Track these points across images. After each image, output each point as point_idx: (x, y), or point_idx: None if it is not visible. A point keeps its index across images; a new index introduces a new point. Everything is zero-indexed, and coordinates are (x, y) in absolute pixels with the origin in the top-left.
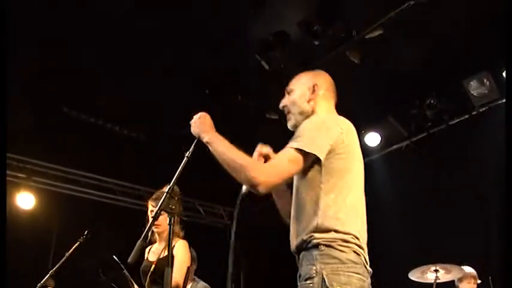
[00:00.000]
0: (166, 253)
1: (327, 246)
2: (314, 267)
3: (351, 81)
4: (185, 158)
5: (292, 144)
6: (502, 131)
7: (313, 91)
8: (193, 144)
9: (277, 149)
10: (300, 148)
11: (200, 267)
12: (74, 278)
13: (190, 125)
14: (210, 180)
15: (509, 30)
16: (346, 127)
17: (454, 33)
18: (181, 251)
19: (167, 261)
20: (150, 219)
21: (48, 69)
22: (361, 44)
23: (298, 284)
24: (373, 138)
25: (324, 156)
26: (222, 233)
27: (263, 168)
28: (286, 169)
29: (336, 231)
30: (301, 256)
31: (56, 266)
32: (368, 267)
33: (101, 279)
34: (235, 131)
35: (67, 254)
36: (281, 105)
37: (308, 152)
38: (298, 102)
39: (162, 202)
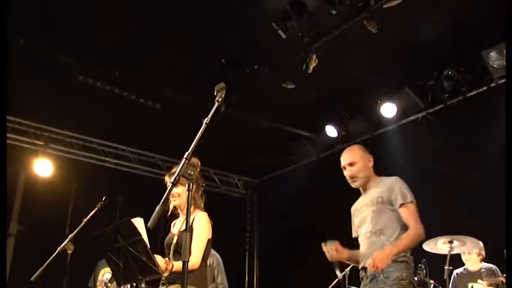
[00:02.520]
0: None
1: (407, 263)
2: (404, 274)
3: (368, 52)
4: (204, 125)
5: (407, 200)
6: None
7: (370, 161)
8: (212, 111)
9: (292, 116)
10: (412, 201)
11: (215, 236)
12: (91, 243)
13: (206, 93)
14: (225, 149)
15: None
16: None
17: (474, 4)
18: (202, 223)
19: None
20: (171, 197)
21: (64, 39)
22: (378, 14)
23: (384, 282)
24: (389, 109)
25: None
26: (237, 202)
27: (419, 226)
28: (419, 221)
29: (407, 252)
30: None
31: (76, 231)
32: None
33: (119, 244)
34: (251, 100)
35: (85, 220)
36: (349, 174)
37: (414, 202)
38: (363, 170)
39: (181, 168)
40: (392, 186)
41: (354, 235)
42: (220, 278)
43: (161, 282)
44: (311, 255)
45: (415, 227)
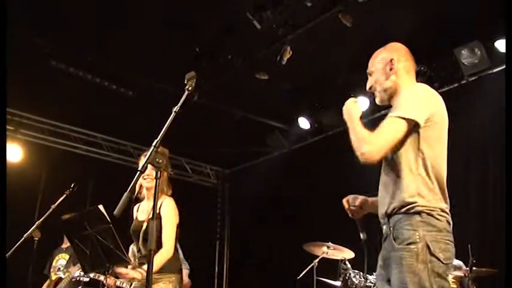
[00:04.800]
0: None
1: (428, 214)
2: (417, 233)
3: (342, 45)
4: (173, 113)
5: (393, 113)
6: (490, 101)
7: (391, 68)
8: (182, 100)
9: (265, 107)
10: (401, 116)
11: (186, 225)
12: (60, 230)
13: (179, 81)
14: (198, 139)
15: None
16: (439, 99)
17: (447, 2)
18: (170, 209)
19: (157, 220)
20: (144, 179)
21: (37, 22)
22: (353, 8)
23: (393, 244)
24: (362, 103)
25: (423, 122)
26: (208, 192)
27: (372, 138)
28: (390, 136)
29: (433, 201)
30: (394, 219)
31: (42, 218)
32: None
33: (86, 232)
34: (224, 89)
35: (53, 206)
36: (367, 86)
37: (408, 118)
38: (379, 81)
39: (149, 156)
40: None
41: None
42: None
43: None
44: (281, 245)
45: (371, 137)
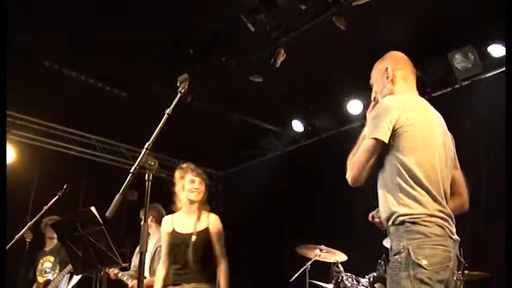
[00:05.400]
0: (204, 225)
1: (412, 223)
2: (402, 243)
3: (336, 48)
4: (165, 115)
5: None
6: (483, 106)
7: (387, 76)
8: (174, 102)
9: (258, 110)
10: (368, 136)
11: None
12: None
13: (172, 84)
14: (191, 141)
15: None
16: (410, 104)
17: (441, 7)
18: (219, 225)
19: (206, 234)
20: (192, 192)
21: (30, 23)
22: (347, 11)
23: (390, 256)
24: (355, 106)
25: (386, 138)
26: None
27: (351, 164)
28: (364, 158)
29: (418, 209)
30: (390, 230)
31: (34, 219)
32: (454, 236)
33: (78, 233)
34: (218, 92)
35: (45, 208)
36: (372, 97)
37: (372, 138)
38: (379, 90)
39: (141, 158)
40: None
41: None
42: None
43: (173, 282)
44: (274, 248)
45: (350, 163)
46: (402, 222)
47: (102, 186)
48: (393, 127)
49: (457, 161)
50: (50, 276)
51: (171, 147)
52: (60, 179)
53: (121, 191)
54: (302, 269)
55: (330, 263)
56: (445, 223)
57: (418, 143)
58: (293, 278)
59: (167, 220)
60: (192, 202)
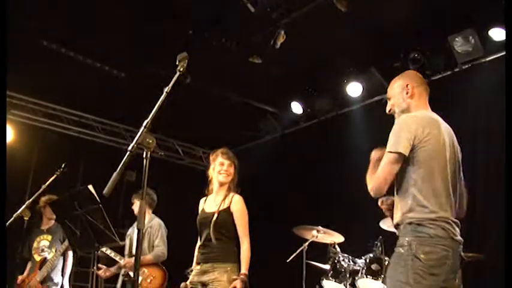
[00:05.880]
0: (226, 204)
1: (418, 224)
2: (407, 239)
3: (337, 30)
4: (164, 94)
5: (387, 148)
6: (483, 89)
7: (407, 92)
8: (173, 80)
9: (258, 91)
10: (389, 150)
11: (176, 208)
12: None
13: (171, 64)
14: (190, 122)
15: None
16: (426, 121)
17: None
18: (242, 206)
19: (227, 213)
20: (221, 174)
21: (28, 3)
22: None
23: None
24: (355, 89)
25: (407, 152)
26: (200, 175)
27: (374, 178)
28: (386, 171)
29: (424, 213)
30: (399, 229)
31: (33, 197)
32: (456, 238)
33: (76, 212)
34: (218, 73)
35: (44, 186)
36: (387, 109)
37: (394, 152)
38: (397, 103)
39: (139, 136)
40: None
41: None
42: (157, 240)
43: (197, 261)
44: (271, 229)
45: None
46: (410, 223)
47: (101, 167)
48: (413, 142)
49: (461, 171)
50: (46, 255)
51: (168, 128)
52: (59, 159)
53: (118, 168)
54: (299, 250)
55: (327, 244)
56: (449, 226)
57: (432, 157)
58: (290, 258)
59: (201, 201)
60: (221, 184)
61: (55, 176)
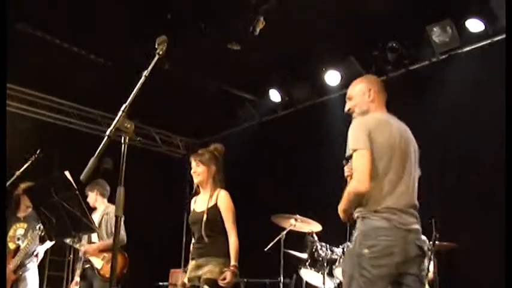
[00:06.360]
0: (213, 201)
1: (363, 218)
2: (355, 234)
3: (316, 18)
4: (143, 77)
5: (348, 148)
6: (460, 79)
7: (369, 96)
8: (152, 64)
9: (236, 78)
10: (354, 149)
11: (154, 196)
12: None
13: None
14: (167, 108)
15: None
16: (379, 122)
17: None
18: (228, 200)
19: (215, 210)
20: (193, 175)
21: None
22: None
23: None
24: (333, 77)
25: (369, 146)
26: (177, 163)
27: (354, 181)
28: (362, 171)
29: (369, 206)
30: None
31: (7, 184)
32: (405, 227)
33: (52, 199)
34: (196, 59)
35: (18, 173)
36: (346, 108)
37: (357, 149)
38: (359, 105)
39: (117, 120)
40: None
41: None
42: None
43: (191, 257)
44: (249, 217)
45: (351, 183)
46: (358, 217)
47: (76, 154)
48: (368, 140)
49: (418, 164)
50: (20, 243)
51: (145, 115)
52: (33, 146)
53: (96, 153)
54: (277, 239)
55: (305, 232)
56: (394, 216)
57: (383, 154)
58: (268, 247)
59: (192, 201)
60: (199, 184)
61: (30, 162)
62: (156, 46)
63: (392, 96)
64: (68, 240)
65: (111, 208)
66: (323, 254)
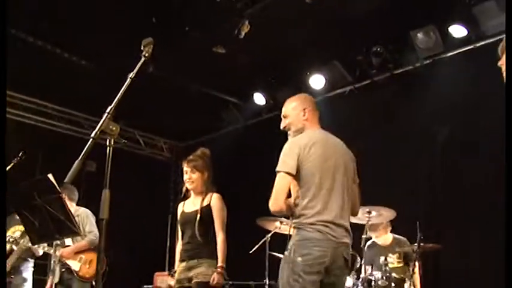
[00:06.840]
0: (206, 202)
1: (298, 228)
2: (290, 243)
3: (301, 22)
4: (128, 79)
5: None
6: (443, 84)
7: (304, 114)
8: (138, 66)
9: (221, 81)
10: (278, 170)
11: (138, 199)
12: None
13: (134, 51)
14: (151, 111)
15: None
16: (309, 142)
17: None
18: (220, 203)
19: (209, 210)
20: (187, 182)
21: None
22: None
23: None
24: (317, 81)
25: (294, 170)
26: (161, 166)
27: (270, 200)
28: (276, 190)
29: (305, 218)
30: None
31: None
32: (336, 240)
33: (35, 202)
34: (181, 62)
35: None
36: (282, 126)
37: (282, 171)
38: (294, 123)
39: (102, 122)
40: None
41: None
42: (88, 227)
43: (181, 259)
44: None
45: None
46: (294, 227)
47: (60, 156)
48: (297, 162)
49: (356, 176)
50: (14, 246)
51: (129, 118)
52: (16, 148)
53: (81, 156)
54: (262, 241)
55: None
56: (327, 229)
57: (316, 170)
58: (253, 250)
59: (179, 206)
60: (191, 190)
61: (12, 164)
62: (142, 48)
63: (376, 100)
64: (41, 246)
65: (81, 210)
66: None
